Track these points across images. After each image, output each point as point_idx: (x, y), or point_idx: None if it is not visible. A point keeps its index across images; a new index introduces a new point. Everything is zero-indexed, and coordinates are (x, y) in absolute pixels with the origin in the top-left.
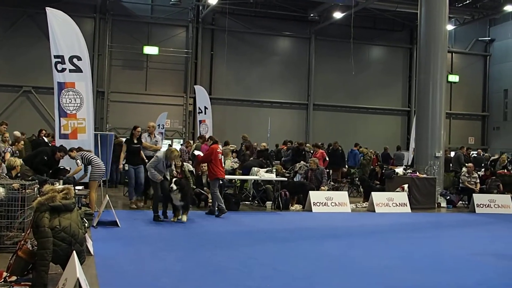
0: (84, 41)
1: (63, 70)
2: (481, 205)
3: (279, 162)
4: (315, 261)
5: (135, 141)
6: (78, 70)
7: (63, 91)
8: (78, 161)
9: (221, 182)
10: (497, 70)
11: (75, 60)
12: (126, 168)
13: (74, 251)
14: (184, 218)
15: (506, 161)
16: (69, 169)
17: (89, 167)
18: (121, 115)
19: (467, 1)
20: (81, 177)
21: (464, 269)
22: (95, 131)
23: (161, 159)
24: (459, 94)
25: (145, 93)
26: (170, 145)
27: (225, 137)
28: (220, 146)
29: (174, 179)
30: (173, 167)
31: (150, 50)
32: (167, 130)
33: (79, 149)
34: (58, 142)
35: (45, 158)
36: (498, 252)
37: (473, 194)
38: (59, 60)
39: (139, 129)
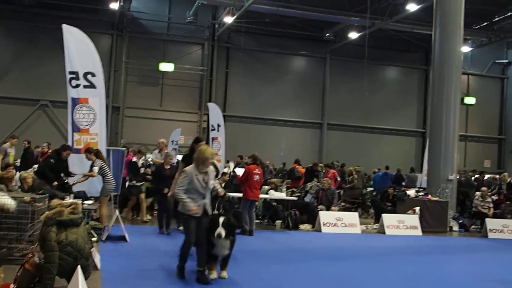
0: (98, 57)
1: (77, 86)
2: (494, 230)
3: (290, 181)
4: (321, 283)
5: None
6: (92, 86)
7: (76, 106)
8: (96, 168)
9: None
10: None
11: (89, 77)
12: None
13: (79, 266)
14: (225, 273)
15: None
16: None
17: (96, 181)
18: (135, 130)
19: (484, 24)
20: (79, 180)
21: None
22: (109, 146)
23: (192, 172)
24: (476, 117)
25: (159, 109)
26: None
27: (237, 154)
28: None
29: (221, 218)
30: (215, 182)
31: (166, 67)
32: (180, 146)
33: (97, 153)
34: (71, 157)
35: (52, 161)
36: (507, 279)
37: (486, 219)
38: (74, 76)
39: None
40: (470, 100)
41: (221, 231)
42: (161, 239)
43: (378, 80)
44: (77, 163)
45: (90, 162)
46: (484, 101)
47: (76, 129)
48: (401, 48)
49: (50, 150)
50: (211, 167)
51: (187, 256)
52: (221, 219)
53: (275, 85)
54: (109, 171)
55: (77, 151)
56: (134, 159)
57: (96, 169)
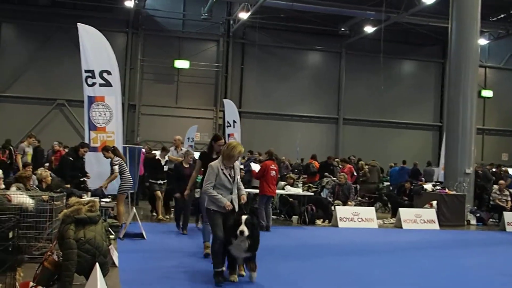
0: (114, 56)
1: (93, 84)
2: None
3: (306, 176)
4: (338, 279)
5: (215, 157)
6: (108, 84)
7: (93, 104)
8: (116, 167)
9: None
10: None
11: (105, 75)
12: (197, 195)
13: (97, 263)
14: (254, 276)
15: None
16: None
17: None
18: (151, 127)
19: (502, 15)
20: (104, 184)
21: None
22: (126, 143)
23: (218, 166)
24: (493, 110)
25: (175, 106)
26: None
27: (255, 151)
28: (274, 163)
29: (245, 217)
30: (238, 177)
31: (181, 64)
32: (196, 143)
33: (115, 150)
34: (88, 155)
35: (70, 159)
36: None
37: (504, 212)
38: (90, 74)
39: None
40: (487, 93)
41: (244, 228)
42: (179, 237)
43: (394, 74)
44: (94, 162)
45: (107, 160)
46: (502, 94)
47: (92, 127)
48: (417, 41)
49: (62, 149)
50: (237, 163)
51: (221, 255)
52: (244, 218)
53: (291, 80)
54: (127, 168)
55: (94, 149)
56: (158, 156)
57: (116, 167)
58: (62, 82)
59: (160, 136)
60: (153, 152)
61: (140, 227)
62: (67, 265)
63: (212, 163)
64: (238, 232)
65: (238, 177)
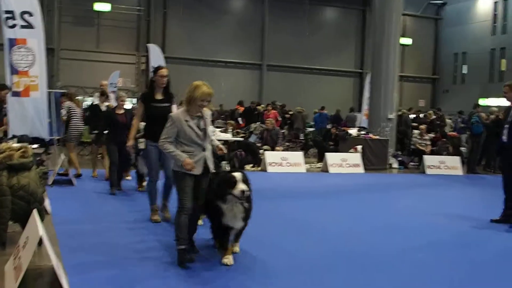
0: None
1: (14, 26)
2: (432, 167)
3: (233, 122)
4: (270, 223)
5: (160, 97)
6: (29, 26)
7: (14, 47)
8: (63, 111)
9: None
10: (448, 33)
11: (26, 16)
12: (143, 146)
13: (35, 210)
14: (237, 247)
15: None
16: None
17: (38, 123)
18: (72, 73)
19: None
20: None
21: (415, 229)
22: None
23: (180, 118)
24: (411, 57)
25: (96, 50)
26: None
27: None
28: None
29: (239, 174)
30: (211, 131)
31: (101, 6)
32: (119, 88)
33: (69, 96)
34: (11, 100)
35: None
36: (448, 212)
37: (424, 156)
38: (10, 15)
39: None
40: (406, 41)
41: (245, 187)
42: (107, 182)
43: (317, 21)
44: (17, 107)
45: (31, 105)
46: (420, 42)
47: (14, 71)
48: None
49: None
50: (207, 110)
51: (186, 230)
52: (238, 175)
53: (215, 26)
54: (77, 115)
55: (17, 94)
56: (97, 102)
57: (63, 111)
58: None
59: (82, 82)
60: (77, 97)
61: (69, 173)
62: (1, 212)
63: (173, 113)
64: (238, 192)
65: (210, 128)
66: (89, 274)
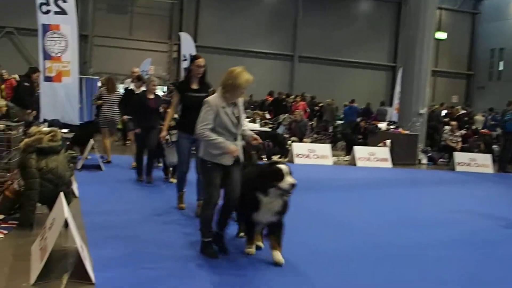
0: None
1: (48, 12)
2: (462, 164)
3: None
4: (296, 213)
5: (196, 87)
6: (63, 12)
7: (47, 33)
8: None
9: None
10: (485, 29)
11: (60, 2)
12: (174, 138)
13: (62, 192)
14: (279, 255)
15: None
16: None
17: (69, 108)
18: (104, 59)
19: None
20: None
21: (439, 225)
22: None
23: (217, 104)
24: (446, 52)
25: (129, 38)
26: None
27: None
28: None
29: (284, 166)
30: (244, 121)
31: None
32: (150, 76)
33: (107, 81)
34: (43, 85)
35: (26, 84)
36: (474, 210)
37: (454, 152)
38: (44, 1)
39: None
40: (441, 35)
41: (293, 180)
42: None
43: (350, 14)
44: (49, 92)
45: (63, 90)
46: (455, 36)
47: (47, 56)
48: None
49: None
50: (241, 98)
51: (210, 223)
52: (285, 167)
53: (247, 16)
54: (109, 101)
55: (49, 79)
56: (132, 86)
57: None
58: (11, 9)
59: (114, 68)
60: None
61: (98, 158)
62: (29, 194)
63: (209, 98)
64: (286, 185)
65: (244, 116)
66: (109, 250)
